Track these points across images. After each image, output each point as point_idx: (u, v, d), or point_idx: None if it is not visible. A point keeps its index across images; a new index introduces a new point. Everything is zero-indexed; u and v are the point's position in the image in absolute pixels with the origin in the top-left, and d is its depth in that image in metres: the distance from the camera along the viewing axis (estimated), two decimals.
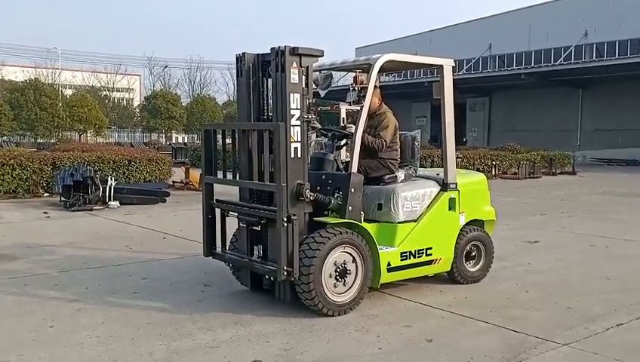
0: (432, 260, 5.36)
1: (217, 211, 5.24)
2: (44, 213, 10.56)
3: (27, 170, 12.47)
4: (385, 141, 5.32)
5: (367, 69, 5.34)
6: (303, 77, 4.63)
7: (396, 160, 5.51)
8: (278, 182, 4.45)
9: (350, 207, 4.81)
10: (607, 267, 6.68)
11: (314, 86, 5.12)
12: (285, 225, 4.42)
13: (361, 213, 4.97)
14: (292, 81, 4.56)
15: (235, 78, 5.42)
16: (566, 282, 5.96)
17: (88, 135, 44.87)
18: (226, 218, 5.24)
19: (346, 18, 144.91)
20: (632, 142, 32.66)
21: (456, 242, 5.58)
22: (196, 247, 7.17)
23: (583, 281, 6.01)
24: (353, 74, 5.88)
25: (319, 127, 5.42)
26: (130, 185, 12.82)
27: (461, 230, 5.64)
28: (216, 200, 5.26)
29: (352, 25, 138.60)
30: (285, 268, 4.42)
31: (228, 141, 5.31)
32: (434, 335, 4.31)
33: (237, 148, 5.07)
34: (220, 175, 5.33)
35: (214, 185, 5.30)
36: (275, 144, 4.54)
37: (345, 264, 4.68)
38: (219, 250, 5.27)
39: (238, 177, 5.13)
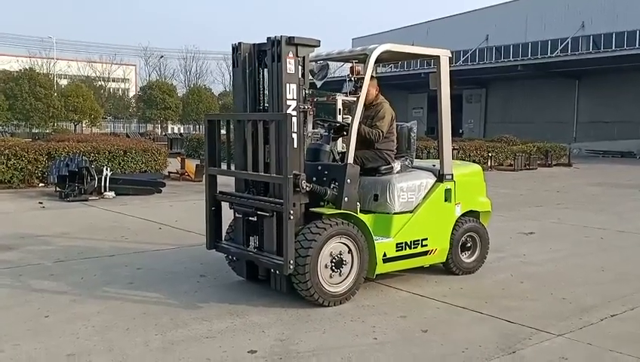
0: (428, 251, 5.37)
1: (219, 203, 5.19)
2: (40, 203, 10.52)
3: (22, 160, 12.42)
4: (382, 131, 5.32)
5: (363, 59, 5.32)
6: (300, 67, 4.62)
7: (392, 151, 5.51)
8: (284, 174, 4.42)
9: (346, 198, 4.81)
10: (601, 258, 6.71)
11: (310, 76, 5.09)
12: (292, 217, 4.41)
13: (357, 203, 4.97)
14: (288, 71, 4.55)
15: (231, 68, 5.38)
16: (561, 273, 5.98)
17: (83, 125, 44.69)
18: (222, 210, 5.22)
19: (342, 8, 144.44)
20: (627, 134, 32.73)
21: (452, 233, 5.59)
22: (192, 238, 7.18)
23: (577, 272, 6.03)
24: (350, 64, 5.86)
25: (315, 117, 5.40)
26: (125, 176, 12.79)
27: (457, 221, 5.65)
28: (220, 192, 5.21)
29: (349, 15, 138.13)
30: (291, 261, 4.41)
31: (224, 131, 5.27)
32: (429, 325, 4.33)
33: (241, 139, 4.97)
34: (222, 166, 5.28)
35: (216, 176, 5.25)
36: (278, 135, 4.52)
37: (341, 254, 4.69)
38: (223, 242, 5.23)
39: (238, 168, 5.08)
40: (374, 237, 4.89)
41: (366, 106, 5.37)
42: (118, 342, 3.91)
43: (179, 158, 16.46)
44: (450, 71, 5.62)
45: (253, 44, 4.88)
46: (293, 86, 4.58)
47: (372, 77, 5.39)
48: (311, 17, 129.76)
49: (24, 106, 38.85)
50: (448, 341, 4.03)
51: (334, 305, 4.66)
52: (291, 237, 4.42)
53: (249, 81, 4.89)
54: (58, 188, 11.37)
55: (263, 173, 4.78)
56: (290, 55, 4.55)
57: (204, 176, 5.28)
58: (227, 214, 5.22)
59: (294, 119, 4.57)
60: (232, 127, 5.26)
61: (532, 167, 21.02)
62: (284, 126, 4.43)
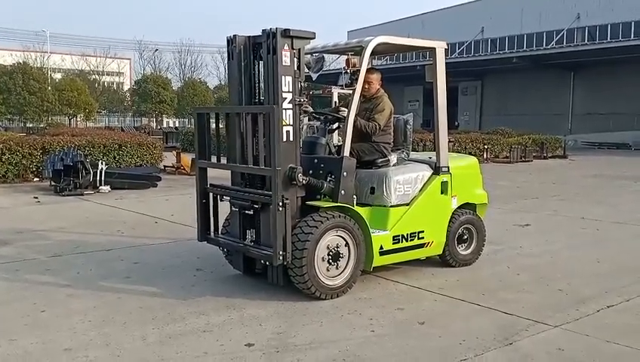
0: (424, 243, 5.37)
1: (211, 196, 5.21)
2: (35, 197, 10.48)
3: (17, 154, 12.36)
4: (379, 125, 5.29)
5: (359, 51, 5.30)
6: (295, 59, 4.59)
7: (389, 143, 5.50)
8: (273, 166, 4.42)
9: (343, 191, 4.80)
10: (597, 249, 6.73)
11: (306, 69, 5.07)
12: (280, 209, 4.41)
13: (354, 196, 4.96)
14: (284, 64, 4.52)
15: (226, 61, 5.35)
16: (557, 265, 6.00)
17: (78, 119, 44.47)
18: (219, 202, 5.22)
19: (338, 0, 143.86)
20: (623, 126, 32.80)
21: (449, 225, 5.59)
22: (188, 232, 7.16)
23: (573, 264, 6.05)
24: (345, 57, 5.84)
25: (311, 110, 5.39)
26: (121, 170, 12.75)
27: (453, 213, 5.66)
28: (210, 184, 5.22)
29: (344, 7, 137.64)
30: (280, 252, 4.42)
31: (220, 125, 5.28)
32: (426, 317, 4.33)
33: (231, 131, 5.01)
34: (213, 159, 5.29)
35: (206, 169, 5.27)
36: (269, 127, 4.50)
37: (337, 247, 4.69)
38: (213, 234, 5.24)
39: (231, 161, 5.09)
40: (371, 230, 4.89)
41: (366, 98, 5.36)
42: (115, 337, 3.90)
43: (174, 152, 16.42)
44: (445, 63, 5.60)
45: (249, 37, 4.85)
46: (289, 78, 4.56)
47: (376, 70, 5.40)
48: (306, 9, 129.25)
49: (18, 100, 38.60)
50: (446, 333, 4.03)
51: (331, 297, 4.66)
52: (280, 228, 4.41)
53: (244, 73, 4.86)
54: (53, 183, 11.32)
55: (252, 166, 4.77)
56: (286, 47, 4.52)
57: None
58: (221, 207, 5.21)
59: (289, 112, 4.55)
60: (228, 119, 5.24)
61: (528, 159, 21.07)
62: (272, 118, 4.42)
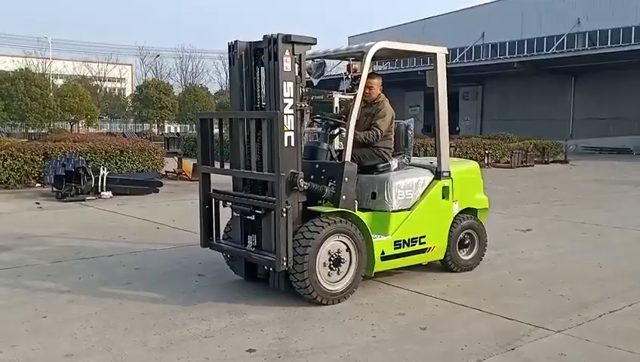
0: (426, 248, 5.37)
1: (214, 201, 5.20)
2: (36, 203, 10.50)
3: (18, 160, 12.37)
4: (380, 131, 5.29)
5: (360, 57, 5.31)
6: (296, 65, 4.60)
7: (390, 149, 5.50)
8: (277, 172, 4.42)
9: (344, 196, 4.80)
10: (599, 254, 6.72)
11: (307, 74, 5.08)
12: (284, 215, 4.41)
13: (355, 202, 4.96)
14: (285, 70, 4.53)
15: (227, 66, 5.34)
16: (558, 270, 5.99)
17: (80, 125, 44.61)
18: (220, 208, 5.22)
19: (338, 6, 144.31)
20: (623, 131, 32.77)
21: (450, 230, 5.59)
22: (190, 237, 7.16)
23: (575, 269, 6.04)
24: (346, 62, 5.85)
25: (312, 115, 5.40)
26: (122, 176, 12.76)
27: (454, 218, 5.65)
28: (213, 190, 5.21)
29: (345, 13, 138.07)
30: (284, 258, 4.41)
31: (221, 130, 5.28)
32: (428, 323, 4.33)
33: (233, 137, 5.01)
34: (216, 165, 5.29)
35: (209, 175, 5.26)
36: (271, 133, 4.51)
37: (339, 253, 4.68)
38: (215, 240, 5.23)
39: (234, 167, 5.07)
40: (372, 235, 4.89)
41: (367, 103, 5.37)
42: (117, 342, 3.90)
43: (176, 158, 16.44)
44: (446, 68, 5.61)
45: (250, 43, 4.86)
46: (290, 84, 4.57)
47: (377, 75, 5.40)
48: (307, 15, 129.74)
49: (20, 107, 38.76)
50: (447, 338, 4.03)
51: (333, 303, 4.66)
52: (283, 233, 4.41)
53: (245, 79, 4.88)
54: (55, 189, 11.33)
55: (255, 171, 4.78)
56: (287, 53, 4.53)
57: None
58: (223, 213, 5.22)
59: (291, 117, 4.56)
60: (231, 125, 5.25)
61: (529, 164, 21.04)
62: (275, 124, 4.43)
